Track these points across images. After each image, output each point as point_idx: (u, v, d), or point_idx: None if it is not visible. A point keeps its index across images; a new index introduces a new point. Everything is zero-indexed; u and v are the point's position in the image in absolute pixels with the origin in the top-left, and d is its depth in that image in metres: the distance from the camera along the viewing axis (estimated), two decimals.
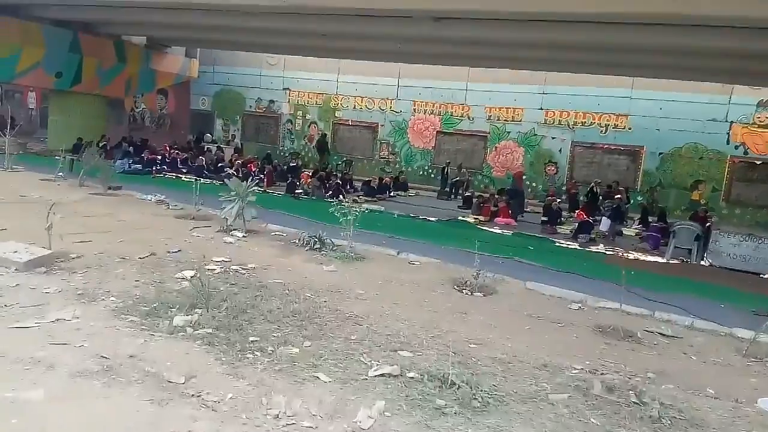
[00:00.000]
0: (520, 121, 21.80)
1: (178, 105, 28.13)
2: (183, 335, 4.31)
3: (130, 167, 17.34)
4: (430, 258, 8.16)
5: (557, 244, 12.81)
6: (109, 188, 11.31)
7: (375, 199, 17.55)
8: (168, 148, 20.55)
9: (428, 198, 19.71)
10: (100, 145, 20.27)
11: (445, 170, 20.22)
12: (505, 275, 7.44)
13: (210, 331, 4.42)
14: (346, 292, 6.07)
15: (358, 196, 17.55)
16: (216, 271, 6.23)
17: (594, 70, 18.32)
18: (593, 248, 12.62)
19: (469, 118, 22.67)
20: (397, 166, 23.85)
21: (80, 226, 7.82)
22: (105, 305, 4.81)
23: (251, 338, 4.37)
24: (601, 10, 10.86)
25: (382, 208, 15.33)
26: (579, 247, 12.60)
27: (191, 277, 5.87)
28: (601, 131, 20.65)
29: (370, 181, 19.11)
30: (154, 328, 4.39)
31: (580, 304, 6.51)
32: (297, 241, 8.41)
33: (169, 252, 6.96)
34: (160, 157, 19.22)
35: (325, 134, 24.57)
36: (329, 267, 7.08)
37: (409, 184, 21.22)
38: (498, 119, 22.16)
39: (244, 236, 8.48)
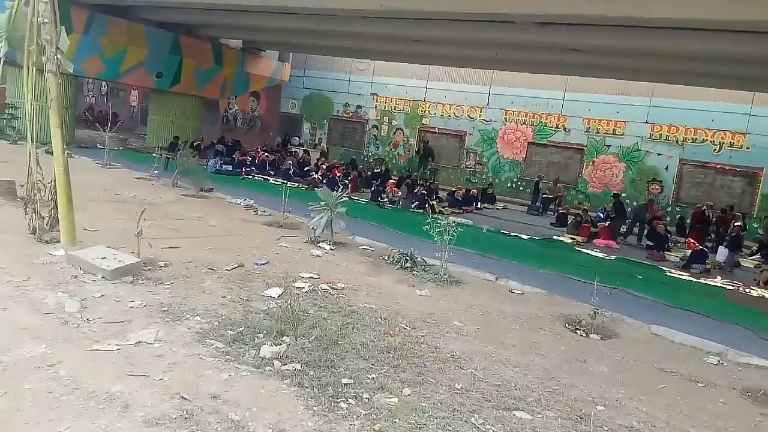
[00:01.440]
0: (622, 134, 20.29)
1: (269, 107, 28.66)
2: (270, 370, 3.84)
3: (221, 167, 17.60)
4: (534, 287, 7.34)
5: (667, 273, 11.52)
6: (201, 190, 11.33)
7: (461, 211, 16.83)
8: (259, 150, 20.79)
9: (517, 213, 18.68)
10: (195, 144, 20.86)
11: (538, 184, 19.05)
12: (619, 312, 6.50)
13: (299, 367, 3.93)
14: (444, 324, 5.43)
15: (444, 207, 17.02)
16: (304, 290, 5.79)
17: (708, 83, 16.65)
18: (710, 281, 11.23)
19: (565, 129, 21.39)
20: (484, 176, 22.95)
21: (170, 230, 7.68)
22: (189, 326, 4.46)
23: (344, 380, 3.83)
24: (722, 17, 9.57)
25: (470, 222, 14.52)
26: (693, 279, 11.26)
27: (279, 295, 5.45)
28: (715, 149, 18.78)
29: (455, 191, 18.34)
30: (240, 359, 3.95)
31: (718, 358, 5.50)
32: (386, 258, 7.88)
33: (256, 264, 6.61)
34: (249, 159, 19.45)
35: (427, 140, 23.96)
36: (422, 291, 6.47)
37: (497, 196, 20.24)
38: (597, 132, 20.74)
39: (331, 249, 8.05)
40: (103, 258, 5.43)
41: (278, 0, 13.63)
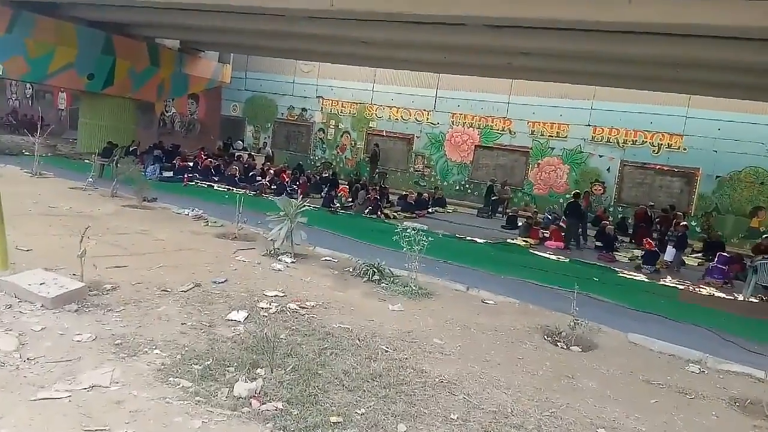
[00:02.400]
0: (565, 137, 20.73)
1: (209, 110, 27.60)
2: (248, 411, 3.40)
3: (161, 174, 16.64)
4: (506, 297, 7.15)
5: (620, 274, 11.71)
6: (144, 200, 10.54)
7: (414, 215, 16.64)
8: (202, 154, 19.86)
9: (467, 216, 18.70)
10: (131, 150, 19.69)
11: (492, 188, 19.15)
12: (585, 318, 6.40)
13: (280, 405, 3.50)
14: (424, 342, 5.12)
15: (396, 212, 16.78)
16: (271, 311, 5.33)
17: (647, 86, 17.27)
18: (661, 281, 11.50)
19: (510, 132, 21.67)
20: (432, 180, 22.94)
21: (114, 247, 7.01)
22: (149, 361, 3.93)
23: (333, 418, 3.44)
24: (666, 20, 9.80)
25: (425, 227, 14.29)
26: (646, 280, 11.49)
27: (244, 319, 4.97)
28: (654, 151, 19.49)
29: (407, 195, 18.14)
30: (212, 400, 3.48)
31: (698, 366, 5.46)
32: (352, 270, 7.50)
33: (214, 282, 6.08)
34: (191, 165, 18.54)
35: (377, 144, 23.64)
36: (395, 305, 6.14)
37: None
38: (542, 134, 21.13)
39: (293, 262, 7.59)
40: (41, 284, 4.78)
41: None
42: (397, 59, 18.70)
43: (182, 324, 4.72)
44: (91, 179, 12.25)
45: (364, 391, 3.89)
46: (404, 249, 6.94)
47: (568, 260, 12.54)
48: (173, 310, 5.05)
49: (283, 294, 5.95)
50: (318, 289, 6.46)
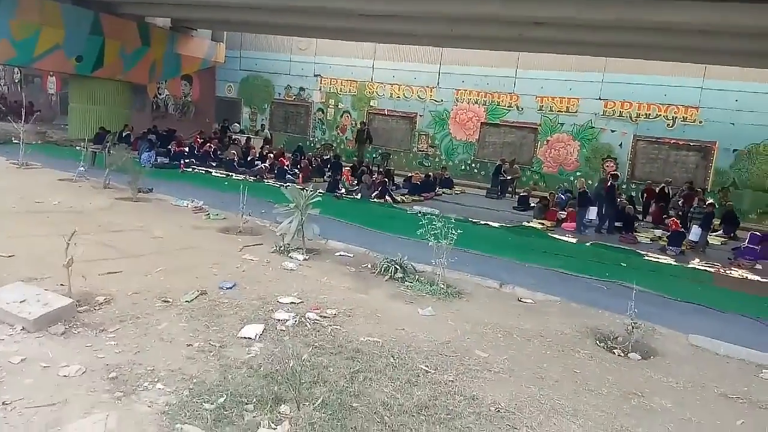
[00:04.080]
0: (575, 112, 19.94)
1: (203, 92, 26.65)
2: None
3: (156, 160, 15.86)
4: (545, 294, 6.47)
5: (646, 257, 11.06)
6: (139, 191, 9.78)
7: (421, 198, 15.94)
8: (198, 138, 19.02)
9: (475, 196, 17.99)
10: (124, 135, 18.85)
11: (500, 167, 18.39)
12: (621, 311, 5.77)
13: None
14: (466, 356, 4.46)
15: (404, 195, 16.06)
16: (288, 323, 4.66)
17: (661, 56, 16.40)
18: (690, 264, 10.86)
19: (517, 108, 20.85)
20: (437, 159, 22.18)
21: (107, 248, 6.30)
22: (150, 401, 3.26)
23: None
24: None
25: (436, 211, 13.61)
26: (673, 263, 10.85)
27: (259, 335, 4.30)
28: (668, 125, 18.71)
29: (413, 177, 17.40)
30: None
31: None
32: (371, 267, 6.82)
33: (222, 288, 5.39)
34: (187, 149, 17.73)
35: (365, 122, 22.83)
36: (424, 309, 5.46)
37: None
38: (550, 110, 20.33)
39: (305, 259, 6.90)
40: (22, 301, 4.09)
41: None
42: (399, 33, 17.76)
43: (188, 346, 4.04)
44: (82, 168, 11.47)
45: (411, 430, 3.24)
46: (430, 242, 6.24)
47: (589, 244, 11.87)
48: (177, 326, 4.36)
49: (299, 300, 5.27)
50: (337, 291, 5.78)
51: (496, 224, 12.92)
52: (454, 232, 6.17)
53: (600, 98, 19.54)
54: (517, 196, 17.30)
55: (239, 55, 25.74)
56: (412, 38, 18.71)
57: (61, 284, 4.72)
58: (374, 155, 22.50)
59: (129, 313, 4.51)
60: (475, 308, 5.74)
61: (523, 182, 20.10)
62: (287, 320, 4.70)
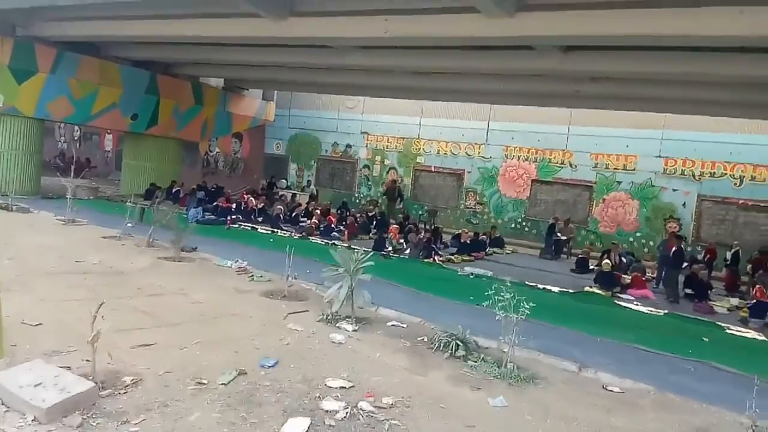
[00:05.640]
0: (633, 169, 19.01)
1: (253, 149, 27.05)
2: None
3: (203, 217, 15.74)
4: (634, 380, 5.56)
5: (729, 331, 9.88)
6: (183, 250, 9.44)
7: (471, 258, 15.17)
8: (245, 195, 18.98)
9: (528, 257, 17.09)
10: (173, 191, 19.01)
11: (554, 226, 17.52)
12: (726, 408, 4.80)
13: None
14: None
15: (452, 254, 15.33)
16: (338, 415, 3.97)
17: (727, 113, 15.55)
18: None
19: (571, 165, 20.07)
20: (485, 217, 21.45)
21: (142, 314, 5.82)
22: None
23: None
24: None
25: (489, 273, 12.85)
26: (759, 337, 9.62)
27: (306, 431, 3.62)
28: (735, 184, 17.51)
29: (460, 235, 16.67)
30: None
31: None
32: (428, 341, 6.10)
33: (263, 367, 4.77)
34: (234, 206, 17.64)
35: (395, 180, 22.54)
36: (496, 400, 4.68)
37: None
38: (606, 167, 19.44)
39: (354, 330, 6.24)
40: (37, 384, 3.57)
41: (266, 30, 12.07)
42: (449, 90, 17.57)
43: None
44: (129, 224, 11.32)
45: None
46: (499, 316, 5.48)
47: (663, 313, 10.77)
48: (209, 418, 3.74)
49: (350, 384, 4.58)
50: (392, 372, 5.07)
51: (555, 289, 12.01)
52: (526, 304, 5.40)
53: (660, 155, 18.62)
54: (573, 257, 16.31)
55: (288, 114, 26.14)
56: (462, 95, 18.47)
57: (87, 359, 4.21)
58: (420, 212, 22.01)
59: (157, 399, 3.92)
60: (554, 398, 4.90)
61: (579, 242, 19.05)
62: (337, 412, 4.01)
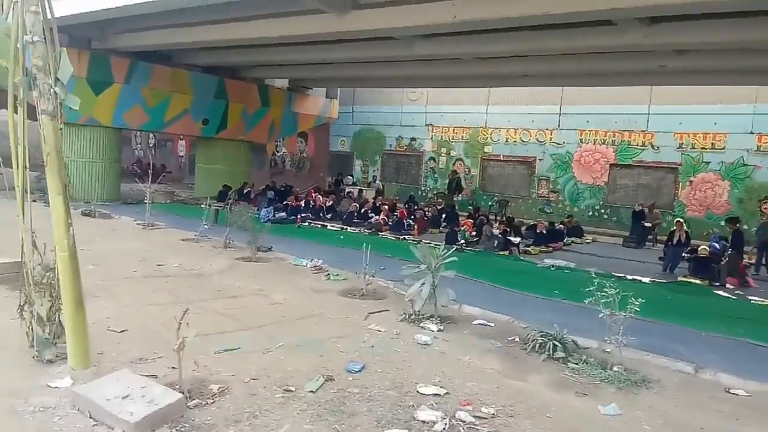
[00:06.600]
0: (722, 148, 17.59)
1: (318, 147, 27.21)
2: None
3: (274, 216, 15.88)
4: (758, 381, 4.93)
5: None
6: (258, 250, 9.42)
7: (549, 248, 14.46)
8: (313, 193, 19.04)
9: (609, 246, 16.14)
10: (244, 192, 19.35)
11: (642, 213, 16.48)
12: None
13: None
14: None
15: (528, 245, 14.67)
16: (437, 428, 3.64)
17: None
18: None
19: (653, 146, 18.84)
20: (559, 205, 20.52)
21: (224, 317, 5.72)
22: None
23: None
24: None
25: (571, 264, 12.15)
26: None
27: None
28: None
29: (536, 225, 15.95)
30: None
31: None
32: (518, 340, 5.66)
33: (349, 372, 4.52)
34: (303, 204, 17.72)
35: (455, 171, 22.00)
36: (607, 407, 4.20)
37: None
38: (692, 147, 18.09)
39: (439, 330, 5.90)
40: (125, 397, 3.45)
41: (329, 26, 11.90)
42: (519, 75, 16.80)
43: None
44: (205, 226, 11.49)
45: None
46: (602, 313, 4.96)
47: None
48: (300, 430, 3.50)
49: (444, 390, 4.24)
50: (486, 377, 4.69)
51: (645, 279, 11.16)
52: (634, 299, 4.86)
53: (752, 132, 17.12)
54: (660, 245, 15.24)
55: (351, 110, 26.08)
56: (533, 79, 17.69)
57: (173, 367, 4.09)
58: (490, 203, 21.36)
59: (246, 409, 3.73)
60: (671, 404, 4.37)
61: (665, 229, 17.83)
62: (435, 423, 3.68)
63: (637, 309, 4.86)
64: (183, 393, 3.71)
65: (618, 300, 4.91)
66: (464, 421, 3.75)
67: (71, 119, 16.15)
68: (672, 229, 13.67)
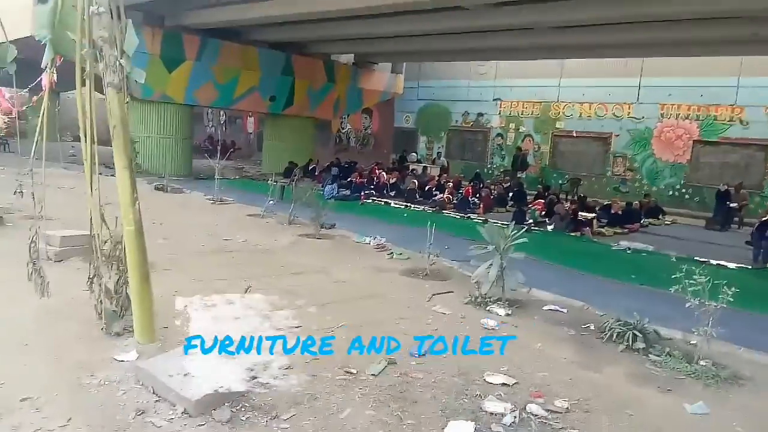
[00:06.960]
0: None
1: (382, 123, 27.00)
2: None
3: (338, 193, 15.89)
4: None
5: None
6: (322, 227, 9.40)
7: (625, 230, 13.69)
8: (377, 170, 18.90)
9: (691, 228, 15.12)
10: (310, 168, 19.49)
11: (728, 193, 15.33)
12: None
13: None
14: None
15: (602, 226, 13.94)
16: (506, 420, 3.41)
17: None
18: None
19: (741, 122, 17.44)
20: (636, 184, 19.42)
21: (288, 295, 5.69)
22: None
23: None
24: None
25: (649, 247, 11.43)
26: None
27: None
28: None
29: (610, 205, 15.14)
30: None
31: None
32: (593, 328, 5.31)
33: (413, 356, 4.35)
34: (366, 180, 17.62)
35: (520, 148, 21.34)
36: (694, 405, 3.82)
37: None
38: None
39: (507, 314, 5.62)
40: (187, 374, 3.43)
41: None
42: (595, 45, 15.84)
43: None
44: (271, 201, 11.63)
45: None
46: (691, 302, 4.53)
47: None
48: (363, 416, 3.36)
49: (513, 380, 3.99)
50: (559, 366, 4.39)
51: (731, 265, 10.33)
52: (727, 289, 4.40)
53: None
54: (746, 228, 14.11)
55: (417, 85, 25.63)
56: (609, 50, 16.63)
57: None
58: (561, 181, 20.50)
59: (306, 390, 3.63)
60: (767, 404, 3.93)
61: (753, 210, 16.52)
62: (504, 415, 3.45)
63: (731, 299, 4.39)
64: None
65: (708, 288, 4.45)
66: (536, 415, 3.50)
67: (146, 95, 16.72)
68: (764, 218, 12.53)
